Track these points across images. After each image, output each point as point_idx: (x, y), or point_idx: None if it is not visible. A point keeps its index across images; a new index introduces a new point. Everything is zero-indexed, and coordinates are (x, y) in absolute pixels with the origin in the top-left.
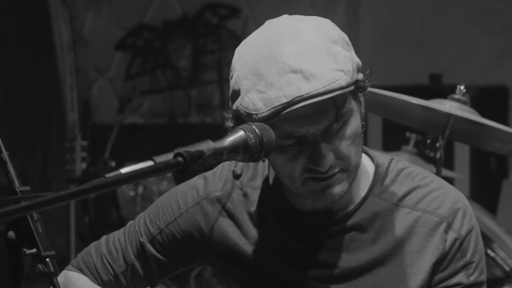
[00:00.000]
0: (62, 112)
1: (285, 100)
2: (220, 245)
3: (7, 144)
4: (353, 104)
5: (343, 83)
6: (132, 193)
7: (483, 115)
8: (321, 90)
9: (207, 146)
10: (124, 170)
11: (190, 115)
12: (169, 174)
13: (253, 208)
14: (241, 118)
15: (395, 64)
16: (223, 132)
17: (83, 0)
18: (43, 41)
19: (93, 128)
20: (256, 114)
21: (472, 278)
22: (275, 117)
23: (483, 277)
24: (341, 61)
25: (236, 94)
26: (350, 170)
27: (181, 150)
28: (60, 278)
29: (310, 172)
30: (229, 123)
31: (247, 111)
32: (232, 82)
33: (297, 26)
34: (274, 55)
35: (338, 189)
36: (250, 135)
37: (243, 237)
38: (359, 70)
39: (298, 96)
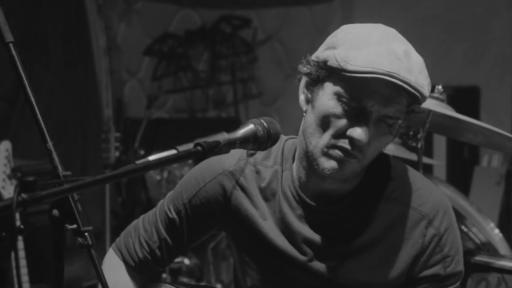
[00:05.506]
0: (98, 108)
1: (384, 69)
2: (235, 214)
3: (52, 135)
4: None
5: (424, 94)
6: (158, 177)
7: (458, 111)
8: (413, 84)
9: (222, 137)
10: (151, 157)
11: (208, 111)
12: (190, 161)
13: (263, 184)
14: (321, 68)
15: None
16: (236, 125)
17: (116, 13)
18: (82, 48)
19: (125, 121)
20: (351, 65)
21: (448, 270)
22: (364, 74)
23: (460, 267)
24: (428, 82)
25: (334, 48)
26: (360, 165)
27: (200, 140)
28: (106, 259)
29: (342, 138)
30: (300, 76)
31: (344, 59)
32: (333, 41)
33: (405, 40)
34: (386, 41)
35: (347, 172)
36: (259, 128)
37: (254, 209)
38: (425, 99)
39: (396, 74)
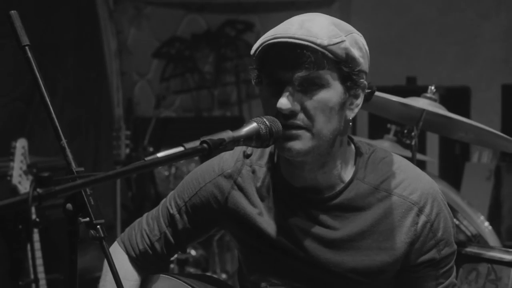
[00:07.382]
0: (110, 108)
1: (271, 35)
2: (233, 214)
3: (66, 133)
4: (331, 80)
5: (318, 41)
6: (166, 173)
7: (450, 110)
8: (297, 36)
9: (227, 135)
10: (160, 154)
11: (213, 110)
12: (196, 158)
13: (259, 183)
14: (254, 68)
15: (378, 69)
16: (240, 123)
17: (127, 17)
18: (95, 50)
19: (135, 120)
20: (253, 49)
21: (443, 252)
22: (260, 47)
23: (453, 248)
24: (333, 35)
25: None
26: (314, 134)
27: (206, 138)
28: (110, 250)
29: (278, 115)
30: (253, 76)
31: (252, 50)
32: None
33: (324, 17)
34: (291, 19)
35: (297, 144)
36: (262, 126)
37: (252, 208)
38: (349, 57)
39: (278, 34)
